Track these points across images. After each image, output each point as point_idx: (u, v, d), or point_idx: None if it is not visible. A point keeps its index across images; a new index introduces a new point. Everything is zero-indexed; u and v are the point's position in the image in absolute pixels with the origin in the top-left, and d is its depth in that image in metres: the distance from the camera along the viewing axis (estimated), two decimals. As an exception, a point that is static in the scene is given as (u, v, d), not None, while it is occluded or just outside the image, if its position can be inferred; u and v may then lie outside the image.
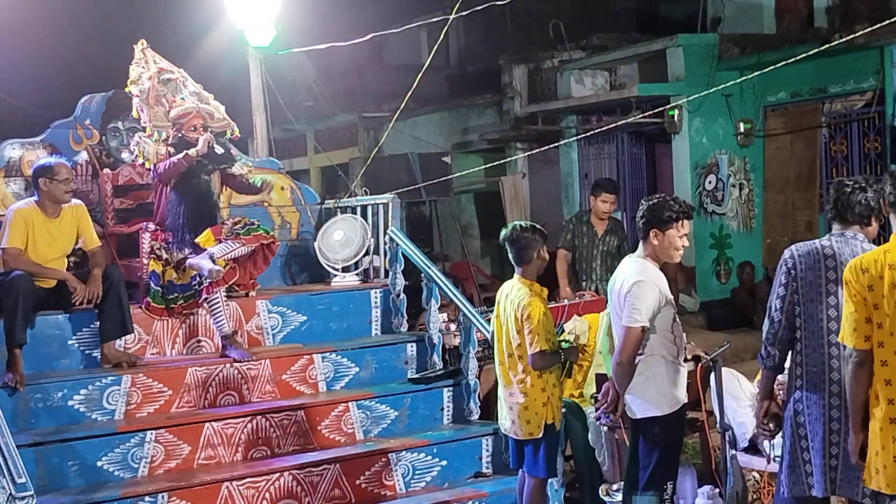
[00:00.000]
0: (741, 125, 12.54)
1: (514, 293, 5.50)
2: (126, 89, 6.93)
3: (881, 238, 4.25)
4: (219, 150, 6.66)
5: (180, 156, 6.47)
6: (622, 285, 4.84)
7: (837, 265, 4.21)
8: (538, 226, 5.64)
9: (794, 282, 4.28)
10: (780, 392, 5.53)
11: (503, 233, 5.60)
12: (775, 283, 4.37)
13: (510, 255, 5.58)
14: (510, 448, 5.69)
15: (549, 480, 5.75)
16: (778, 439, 4.78)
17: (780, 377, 4.64)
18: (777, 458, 5.32)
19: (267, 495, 5.82)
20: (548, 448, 5.47)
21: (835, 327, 4.19)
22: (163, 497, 5.53)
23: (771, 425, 4.57)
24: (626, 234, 8.67)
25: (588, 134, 12.71)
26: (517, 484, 5.75)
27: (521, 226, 5.57)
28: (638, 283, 4.77)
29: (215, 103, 7.00)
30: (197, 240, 6.44)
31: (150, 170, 6.74)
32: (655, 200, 4.93)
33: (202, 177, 6.62)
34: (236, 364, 6.39)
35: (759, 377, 5.78)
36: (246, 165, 7.05)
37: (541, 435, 5.43)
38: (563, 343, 5.68)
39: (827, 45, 9.06)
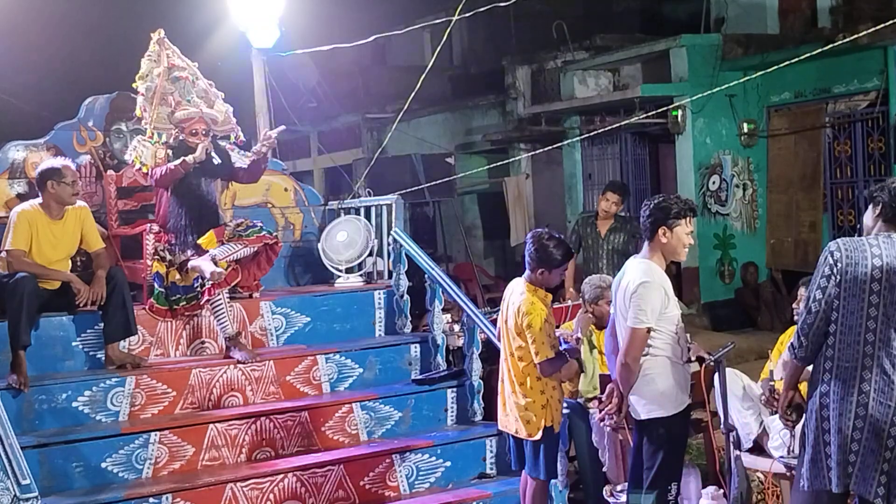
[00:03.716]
0: (745, 125, 12.54)
1: (516, 296, 5.47)
2: (133, 84, 6.93)
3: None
4: (216, 160, 6.67)
5: (177, 162, 6.47)
6: (627, 286, 4.84)
7: (883, 265, 4.19)
8: (567, 243, 5.56)
9: (839, 275, 4.24)
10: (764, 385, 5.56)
11: (531, 232, 5.52)
12: (816, 274, 4.32)
13: (525, 254, 5.54)
14: (511, 449, 5.69)
15: (552, 482, 5.75)
16: (797, 428, 4.77)
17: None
18: (792, 450, 5.33)
19: (271, 496, 5.82)
20: (547, 450, 5.45)
21: (872, 326, 4.18)
22: (167, 498, 5.53)
23: (794, 416, 4.56)
24: (637, 228, 8.68)
25: (591, 134, 12.73)
26: (520, 485, 5.75)
27: (548, 234, 5.43)
28: (643, 284, 4.77)
29: (222, 105, 6.99)
30: (199, 241, 6.44)
31: (147, 174, 6.75)
32: (660, 199, 4.94)
33: (202, 179, 6.62)
34: (240, 365, 6.40)
35: (763, 375, 5.80)
36: (246, 156, 7.01)
37: (539, 437, 5.42)
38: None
39: (830, 45, 9.06)
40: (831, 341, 4.28)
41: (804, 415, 4.47)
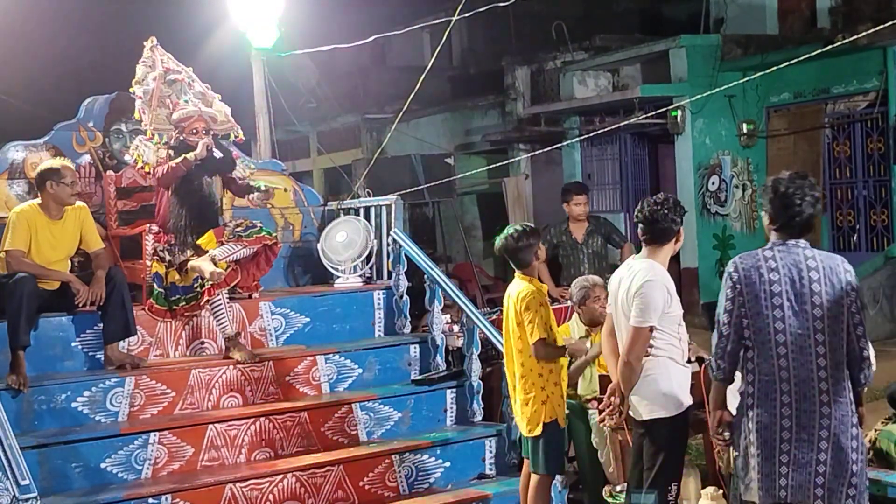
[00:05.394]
0: (744, 126, 12.56)
1: (513, 289, 5.62)
2: (130, 89, 6.95)
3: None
4: (217, 154, 6.67)
5: (179, 160, 6.47)
6: (630, 285, 4.83)
7: (781, 277, 4.19)
8: (529, 226, 5.68)
9: (740, 296, 4.24)
10: None
11: (497, 243, 5.65)
12: (721, 296, 4.34)
13: (511, 262, 5.64)
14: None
15: (553, 481, 5.75)
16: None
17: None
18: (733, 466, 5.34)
19: (270, 497, 5.82)
20: (547, 446, 5.48)
21: (782, 339, 4.18)
22: (166, 499, 5.53)
23: (726, 434, 4.54)
24: (612, 228, 8.67)
25: (591, 135, 12.74)
26: (520, 482, 5.76)
27: (511, 233, 5.60)
28: (648, 283, 4.76)
29: (220, 105, 7.00)
30: (199, 242, 6.44)
31: (149, 173, 6.76)
32: (670, 200, 4.91)
33: (203, 179, 6.63)
34: (239, 366, 6.39)
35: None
36: (248, 168, 7.06)
37: (539, 433, 5.46)
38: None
39: (830, 46, 9.08)
40: (750, 355, 4.28)
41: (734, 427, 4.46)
